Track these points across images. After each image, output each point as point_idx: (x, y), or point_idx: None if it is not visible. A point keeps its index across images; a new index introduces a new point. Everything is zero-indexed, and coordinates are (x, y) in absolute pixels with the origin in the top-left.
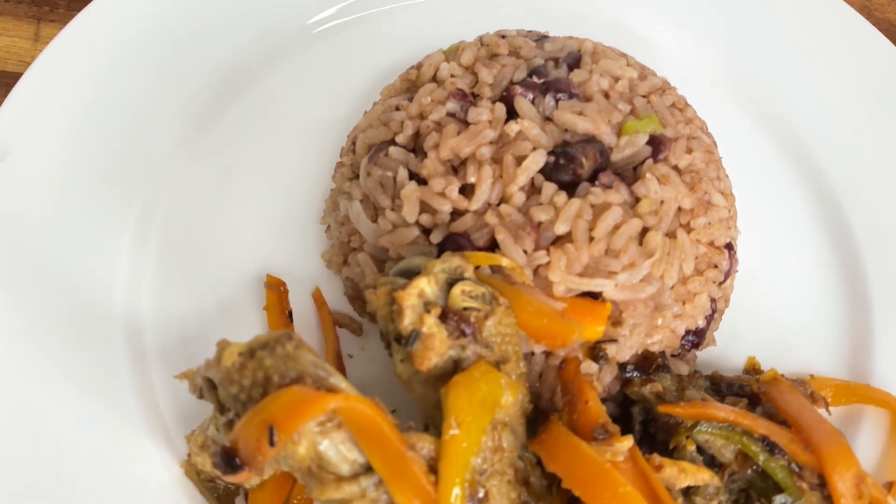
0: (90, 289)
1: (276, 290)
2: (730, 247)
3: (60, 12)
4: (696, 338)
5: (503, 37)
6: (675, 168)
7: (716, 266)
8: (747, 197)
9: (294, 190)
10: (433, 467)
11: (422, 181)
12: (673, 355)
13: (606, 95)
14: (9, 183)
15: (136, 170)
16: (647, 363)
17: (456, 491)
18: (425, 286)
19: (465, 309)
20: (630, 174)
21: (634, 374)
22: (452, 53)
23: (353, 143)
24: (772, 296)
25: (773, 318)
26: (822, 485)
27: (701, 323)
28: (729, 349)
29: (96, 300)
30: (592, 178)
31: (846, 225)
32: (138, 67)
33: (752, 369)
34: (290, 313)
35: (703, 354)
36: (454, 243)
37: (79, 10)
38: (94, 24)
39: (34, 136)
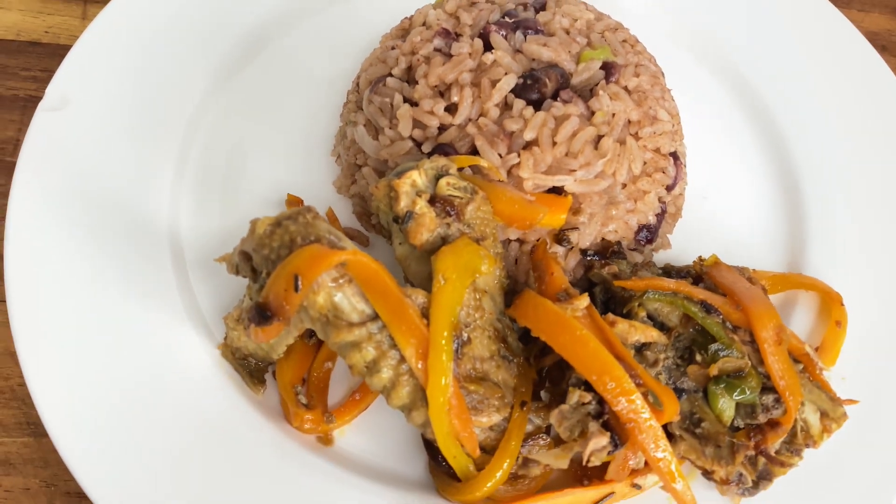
0: (141, 212)
1: (295, 206)
2: (675, 157)
3: None
4: (649, 234)
5: None
6: (625, 88)
7: (663, 171)
8: (698, 128)
9: (308, 129)
10: (425, 314)
11: (414, 104)
12: (630, 249)
13: (567, 32)
14: (71, 125)
15: (175, 115)
16: (606, 249)
17: (444, 331)
18: (416, 177)
19: (450, 196)
20: (587, 94)
21: (594, 258)
22: (439, 4)
23: (357, 84)
24: (720, 212)
25: (721, 230)
26: (753, 342)
27: (651, 219)
28: (682, 253)
29: (146, 221)
30: (555, 96)
31: (788, 159)
32: (176, 30)
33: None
34: None
35: (659, 257)
36: (441, 152)
37: None
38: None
39: (90, 88)
